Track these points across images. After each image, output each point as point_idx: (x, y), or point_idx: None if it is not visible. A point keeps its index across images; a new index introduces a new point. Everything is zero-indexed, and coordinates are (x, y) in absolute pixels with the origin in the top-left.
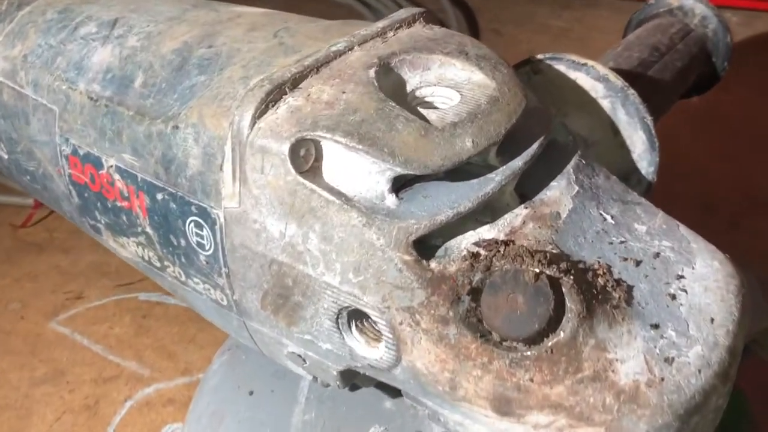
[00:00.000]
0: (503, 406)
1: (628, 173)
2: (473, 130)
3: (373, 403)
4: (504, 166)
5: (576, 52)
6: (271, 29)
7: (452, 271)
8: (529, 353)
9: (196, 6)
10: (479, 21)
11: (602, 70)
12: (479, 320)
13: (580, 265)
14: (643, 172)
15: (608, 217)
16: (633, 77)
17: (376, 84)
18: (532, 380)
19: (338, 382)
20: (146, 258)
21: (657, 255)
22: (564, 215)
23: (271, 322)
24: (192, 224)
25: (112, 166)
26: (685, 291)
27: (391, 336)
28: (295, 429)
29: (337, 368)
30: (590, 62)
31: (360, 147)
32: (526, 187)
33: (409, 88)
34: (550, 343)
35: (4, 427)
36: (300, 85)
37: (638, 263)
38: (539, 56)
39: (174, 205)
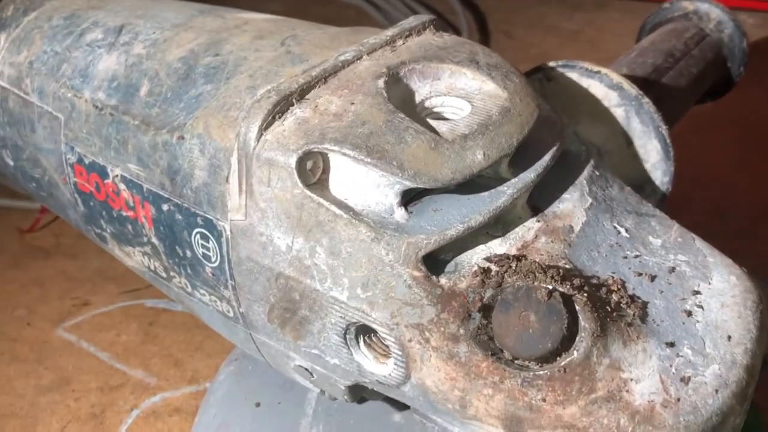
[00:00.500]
0: (515, 426)
1: (641, 183)
2: (484, 142)
3: (382, 416)
4: (516, 179)
5: (587, 54)
6: (279, 37)
7: (463, 288)
8: (541, 372)
9: (202, 12)
10: (489, 23)
11: (616, 78)
12: (490, 338)
13: (594, 281)
14: (658, 182)
15: (622, 230)
16: (647, 84)
17: (385, 95)
18: (544, 400)
19: (346, 397)
20: (152, 268)
21: (672, 270)
22: (577, 229)
23: (278, 336)
24: (198, 236)
25: (117, 176)
26: (702, 307)
27: (400, 353)
28: None
29: (345, 383)
30: (604, 70)
31: (368, 160)
32: (538, 200)
33: (418, 99)
34: (563, 363)
35: None
36: (307, 96)
37: (653, 278)
38: (552, 63)
39: (180, 216)
